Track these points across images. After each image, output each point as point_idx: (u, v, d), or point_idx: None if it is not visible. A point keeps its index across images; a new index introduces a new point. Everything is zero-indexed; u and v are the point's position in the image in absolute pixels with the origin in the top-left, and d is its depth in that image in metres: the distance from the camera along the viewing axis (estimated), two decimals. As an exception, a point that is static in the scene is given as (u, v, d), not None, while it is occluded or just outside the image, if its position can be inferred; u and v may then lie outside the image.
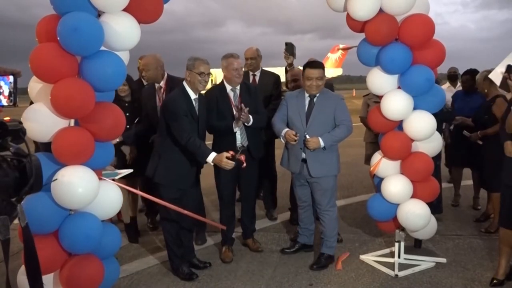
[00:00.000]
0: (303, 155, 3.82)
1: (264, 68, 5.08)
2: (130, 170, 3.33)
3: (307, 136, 3.72)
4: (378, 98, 5.16)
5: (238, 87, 4.03)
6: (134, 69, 5.60)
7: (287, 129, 3.81)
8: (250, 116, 3.85)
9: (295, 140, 3.70)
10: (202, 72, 3.51)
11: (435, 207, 3.96)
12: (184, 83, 3.63)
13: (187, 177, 3.69)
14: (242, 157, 3.45)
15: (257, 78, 4.95)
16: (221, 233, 4.24)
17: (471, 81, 5.02)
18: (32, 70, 2.60)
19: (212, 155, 3.44)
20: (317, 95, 3.83)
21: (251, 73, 4.97)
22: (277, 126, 3.90)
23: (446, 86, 6.26)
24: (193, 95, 3.60)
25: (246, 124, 3.89)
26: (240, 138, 3.98)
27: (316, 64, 3.82)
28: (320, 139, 3.69)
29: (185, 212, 3.29)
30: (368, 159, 5.33)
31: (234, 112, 3.93)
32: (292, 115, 3.87)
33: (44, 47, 2.58)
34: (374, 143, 5.05)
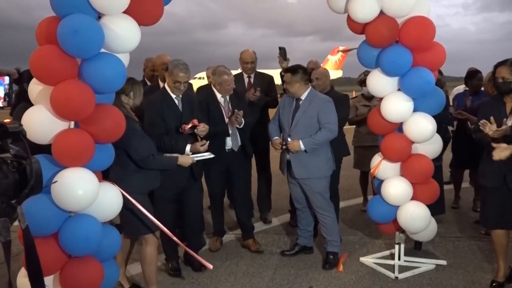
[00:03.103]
0: (287, 157, 3.90)
1: (257, 70, 5.11)
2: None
3: (289, 139, 3.80)
4: (366, 101, 5.15)
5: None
6: (134, 70, 5.58)
7: (275, 137, 3.96)
8: (243, 119, 4.02)
9: (281, 148, 3.88)
10: (178, 81, 3.53)
11: (436, 208, 3.94)
12: (165, 84, 3.68)
13: (181, 173, 3.56)
14: (195, 122, 3.53)
15: (252, 80, 4.99)
16: (213, 226, 4.43)
17: (481, 81, 5.00)
18: (32, 72, 2.60)
19: (188, 146, 3.55)
20: (303, 98, 3.87)
21: (245, 75, 4.99)
22: (270, 132, 4.05)
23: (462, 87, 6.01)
24: (173, 95, 3.64)
25: (238, 126, 4.04)
26: (231, 143, 4.09)
27: (288, 69, 4.01)
28: (301, 142, 3.74)
29: (163, 228, 3.21)
30: (357, 164, 5.31)
31: (225, 118, 4.06)
32: (282, 118, 3.98)
33: (44, 49, 2.58)
34: (363, 147, 5.04)
